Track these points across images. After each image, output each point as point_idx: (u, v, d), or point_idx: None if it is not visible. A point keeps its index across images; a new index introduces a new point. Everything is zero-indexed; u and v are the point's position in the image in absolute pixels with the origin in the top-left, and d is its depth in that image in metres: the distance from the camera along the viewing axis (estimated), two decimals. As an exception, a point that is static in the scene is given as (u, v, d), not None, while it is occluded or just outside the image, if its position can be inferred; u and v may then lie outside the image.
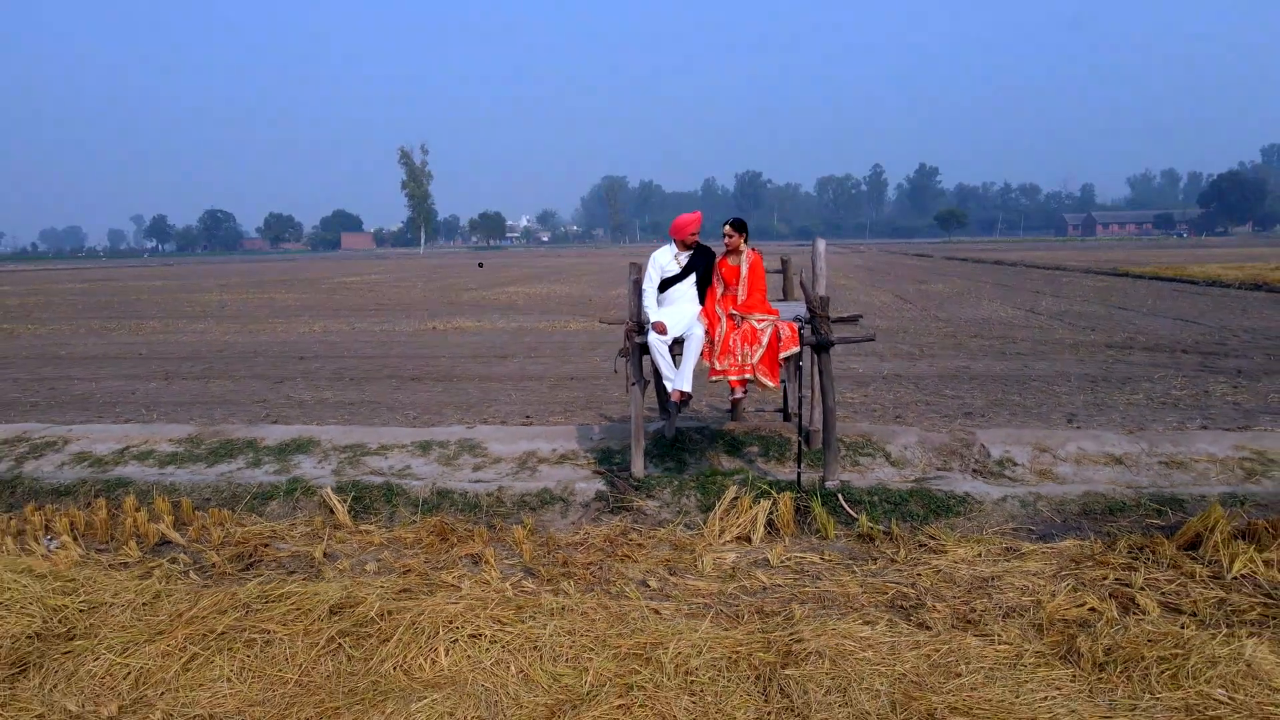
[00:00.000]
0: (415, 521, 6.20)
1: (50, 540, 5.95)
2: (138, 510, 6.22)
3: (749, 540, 5.76)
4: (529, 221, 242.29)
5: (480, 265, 59.59)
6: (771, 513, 5.89)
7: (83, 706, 3.83)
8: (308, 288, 37.66)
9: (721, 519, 5.86)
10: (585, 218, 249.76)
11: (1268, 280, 26.23)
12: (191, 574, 5.35)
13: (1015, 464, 6.96)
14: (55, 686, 3.97)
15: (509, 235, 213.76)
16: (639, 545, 5.70)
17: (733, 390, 6.31)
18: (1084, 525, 5.89)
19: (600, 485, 6.55)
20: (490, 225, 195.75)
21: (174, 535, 6.01)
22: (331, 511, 6.34)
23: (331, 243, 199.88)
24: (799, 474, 6.43)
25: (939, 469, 6.93)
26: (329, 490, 6.48)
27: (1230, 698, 3.62)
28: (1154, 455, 6.97)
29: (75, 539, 5.90)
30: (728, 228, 6.45)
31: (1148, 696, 3.68)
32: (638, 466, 6.53)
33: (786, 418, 8.06)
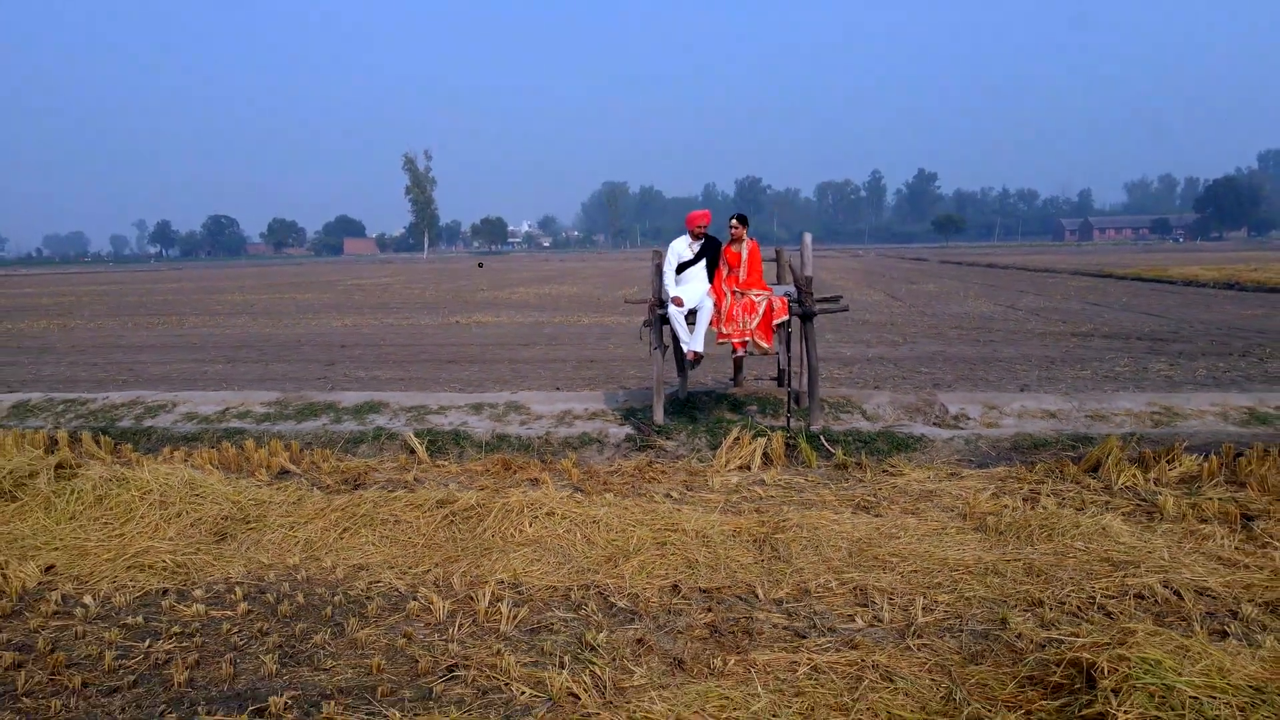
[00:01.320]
0: (481, 458, 7.73)
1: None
2: (257, 449, 7.74)
3: (749, 468, 7.28)
4: (530, 227, 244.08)
5: (480, 265, 61.05)
6: (766, 448, 7.42)
7: (271, 559, 5.36)
8: (324, 289, 39.20)
9: (727, 452, 7.39)
10: (586, 223, 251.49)
11: (1240, 280, 27.78)
12: (315, 490, 6.86)
13: (969, 418, 8.47)
14: (247, 548, 5.51)
15: (510, 240, 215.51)
16: (662, 472, 7.23)
17: (735, 351, 7.88)
18: (1013, 457, 7.42)
19: (628, 430, 8.09)
20: (492, 230, 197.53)
21: (291, 466, 7.53)
22: (412, 451, 7.87)
23: (334, 248, 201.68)
24: (788, 420, 7.97)
25: (905, 421, 8.46)
26: (410, 434, 8.02)
27: (1086, 547, 5.15)
28: (1082, 410, 8.49)
29: (214, 468, 7.42)
30: (733, 220, 8.03)
31: (1028, 547, 5.21)
32: (659, 414, 8.07)
33: (780, 385, 9.57)
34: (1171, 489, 6.39)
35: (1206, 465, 6.63)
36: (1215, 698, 2.99)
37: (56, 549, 5.44)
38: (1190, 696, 2.99)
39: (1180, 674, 3.12)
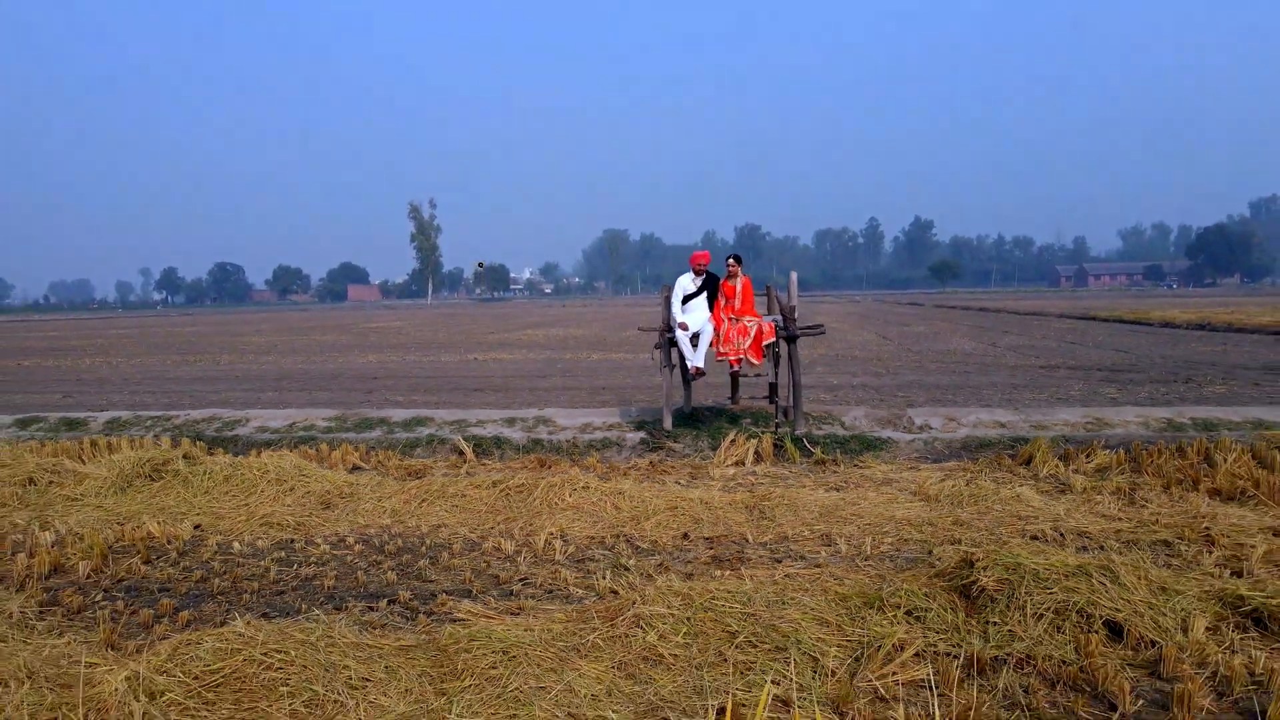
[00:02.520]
0: (519, 457, 9.23)
1: (279, 467, 8.92)
2: (331, 451, 9.25)
3: (743, 463, 8.78)
4: (532, 274, 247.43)
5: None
6: (758, 447, 8.92)
7: (368, 521, 6.84)
8: (340, 331, 40.87)
9: (725, 451, 8.90)
10: (587, 270, 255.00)
11: (1212, 321, 29.43)
12: (388, 478, 8.35)
13: (931, 427, 9.98)
14: (348, 514, 6.99)
15: (512, 287, 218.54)
16: (671, 467, 8.72)
17: (731, 367, 9.46)
18: (963, 454, 8.92)
19: (642, 436, 9.60)
20: (494, 277, 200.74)
21: (362, 464, 9.03)
22: (461, 453, 9.37)
23: (338, 294, 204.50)
24: (776, 425, 9.49)
25: (877, 429, 9.96)
26: (460, 438, 9.53)
27: (1003, 508, 6.64)
28: (1028, 421, 10.00)
29: (299, 465, 8.90)
30: (730, 259, 9.68)
31: (959, 510, 6.70)
32: (667, 421, 9.59)
33: (771, 400, 11.09)
34: (1085, 475, 7.87)
35: (1115, 457, 8.13)
36: (1049, 570, 4.47)
37: (199, 514, 6.94)
38: (1031, 569, 4.47)
39: (1030, 560, 4.60)
